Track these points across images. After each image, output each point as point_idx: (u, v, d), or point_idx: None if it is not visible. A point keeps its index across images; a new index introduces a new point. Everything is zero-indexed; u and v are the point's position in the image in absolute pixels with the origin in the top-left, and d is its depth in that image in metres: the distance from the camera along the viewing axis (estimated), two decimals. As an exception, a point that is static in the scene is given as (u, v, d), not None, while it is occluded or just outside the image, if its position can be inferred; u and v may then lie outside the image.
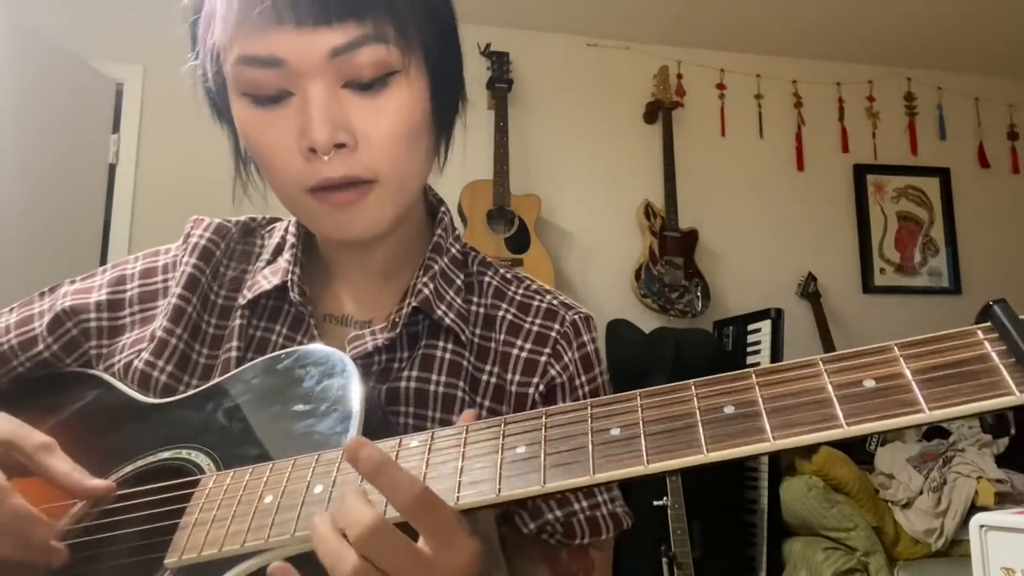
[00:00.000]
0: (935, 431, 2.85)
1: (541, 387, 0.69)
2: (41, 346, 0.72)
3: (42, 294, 0.76)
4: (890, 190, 3.69)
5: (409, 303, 0.67)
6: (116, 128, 3.02)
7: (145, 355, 0.68)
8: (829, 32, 3.47)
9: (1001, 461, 2.56)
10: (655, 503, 2.29)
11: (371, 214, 0.63)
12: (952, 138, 3.78)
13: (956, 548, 2.48)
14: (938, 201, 3.72)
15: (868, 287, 3.58)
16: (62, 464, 0.58)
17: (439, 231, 0.73)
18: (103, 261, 2.89)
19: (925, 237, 3.69)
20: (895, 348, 0.40)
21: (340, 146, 0.59)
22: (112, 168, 3.00)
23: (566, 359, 0.70)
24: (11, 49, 2.48)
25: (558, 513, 0.67)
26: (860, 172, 3.67)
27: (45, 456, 0.58)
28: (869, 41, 3.55)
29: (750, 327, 3.05)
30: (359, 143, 0.60)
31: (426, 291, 0.68)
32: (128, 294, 0.74)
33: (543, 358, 0.70)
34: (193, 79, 0.68)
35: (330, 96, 0.59)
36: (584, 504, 0.69)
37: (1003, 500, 2.39)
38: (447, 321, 0.68)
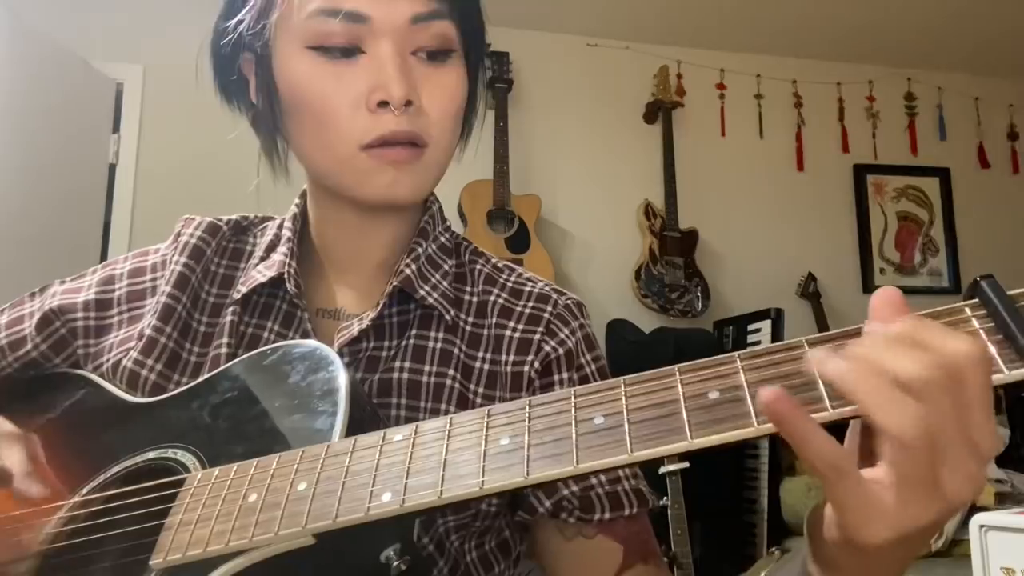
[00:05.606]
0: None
1: (536, 364, 0.69)
2: (30, 346, 0.72)
3: (32, 295, 0.76)
4: (890, 190, 3.69)
5: (392, 283, 0.68)
6: (116, 128, 3.02)
7: (134, 354, 0.68)
8: (829, 32, 3.46)
9: (1001, 461, 2.54)
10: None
11: (419, 177, 0.65)
12: (952, 138, 3.77)
13: (956, 548, 2.46)
14: (938, 201, 3.71)
15: (868, 287, 3.57)
16: None
17: (425, 218, 0.74)
18: (103, 260, 2.89)
19: (925, 237, 3.68)
20: None
21: (408, 104, 0.62)
22: (112, 168, 3.00)
23: (562, 335, 0.70)
24: (11, 49, 2.49)
25: (574, 488, 0.66)
26: (860, 172, 3.66)
27: None
28: (869, 41, 3.54)
29: (750, 327, 3.04)
30: (422, 107, 0.64)
31: (408, 271, 0.68)
32: (116, 294, 0.73)
33: (536, 336, 0.69)
34: (216, 52, 0.69)
35: (403, 58, 0.63)
36: (603, 478, 0.67)
37: (1003, 500, 2.38)
38: (430, 300, 0.68)
